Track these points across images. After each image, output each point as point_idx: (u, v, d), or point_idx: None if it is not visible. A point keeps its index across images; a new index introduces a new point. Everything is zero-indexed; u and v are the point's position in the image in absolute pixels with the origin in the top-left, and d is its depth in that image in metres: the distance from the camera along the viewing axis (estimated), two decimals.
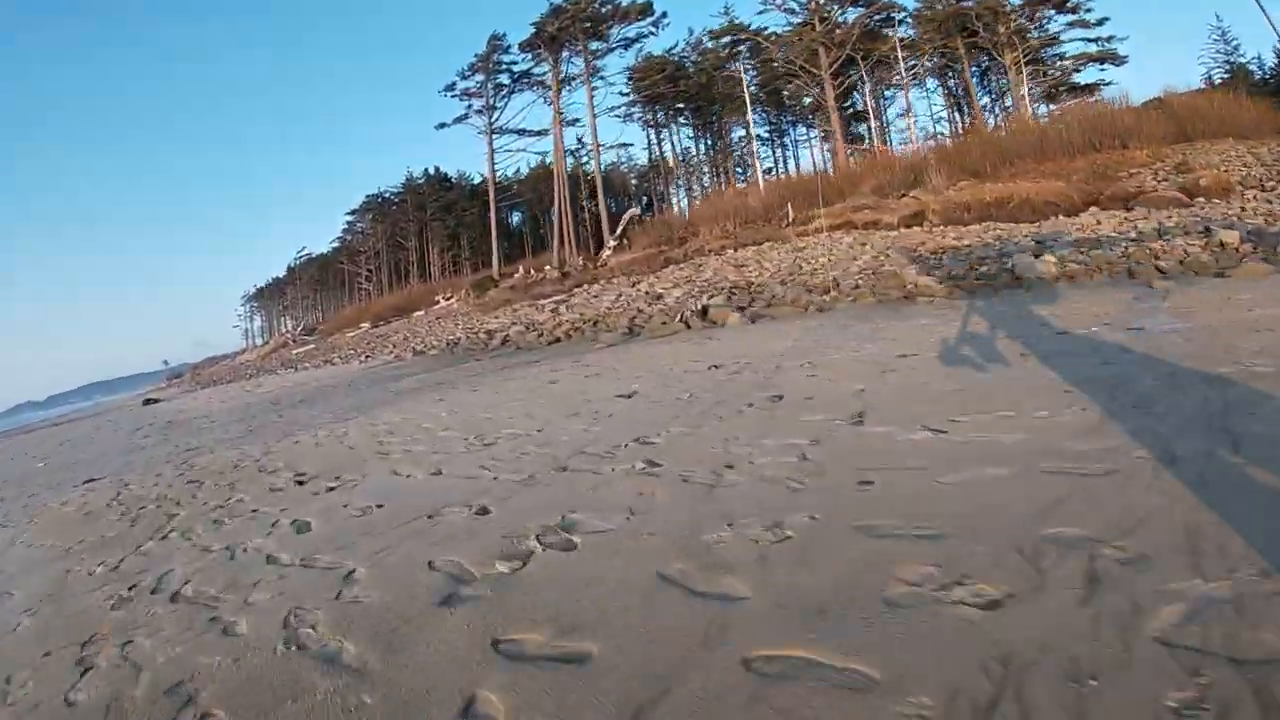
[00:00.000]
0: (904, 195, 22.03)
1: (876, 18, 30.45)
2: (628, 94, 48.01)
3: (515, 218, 79.44)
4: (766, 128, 56.78)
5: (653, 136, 54.31)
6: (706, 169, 58.23)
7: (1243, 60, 51.16)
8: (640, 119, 51.59)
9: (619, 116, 49.07)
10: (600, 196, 34.99)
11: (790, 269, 14.92)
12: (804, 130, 58.58)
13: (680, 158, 55.79)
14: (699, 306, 11.59)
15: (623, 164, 63.39)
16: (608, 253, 29.65)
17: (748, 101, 28.38)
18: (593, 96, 35.68)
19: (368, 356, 23.61)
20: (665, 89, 41.37)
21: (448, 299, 42.38)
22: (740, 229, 24.89)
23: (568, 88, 37.93)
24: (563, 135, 35.93)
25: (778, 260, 16.75)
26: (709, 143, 56.52)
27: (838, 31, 29.81)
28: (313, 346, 43.26)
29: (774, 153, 57.38)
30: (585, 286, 24.56)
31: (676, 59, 43.45)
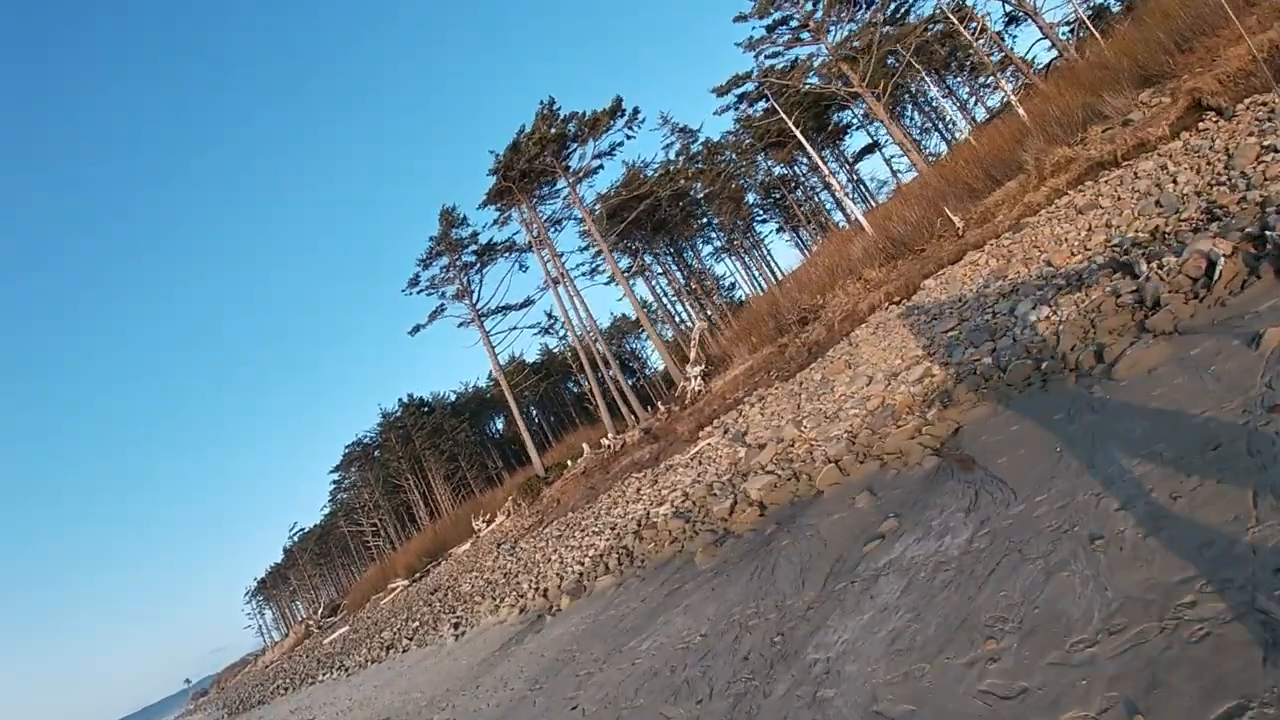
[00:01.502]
0: (1082, 139, 16.29)
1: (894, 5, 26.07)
2: (587, 245, 43.18)
3: (499, 423, 73.46)
4: (725, 238, 52.79)
5: (630, 283, 49.22)
6: (686, 302, 53.08)
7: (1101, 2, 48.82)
8: (609, 272, 46.42)
9: (584, 272, 43.86)
10: (652, 333, 28.53)
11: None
12: (763, 226, 55.06)
13: (659, 295, 50.63)
14: None
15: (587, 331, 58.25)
16: (695, 383, 22.80)
17: (799, 136, 22.80)
18: (591, 215, 30.10)
19: (458, 625, 15.70)
20: (639, 212, 36.27)
21: (488, 521, 34.92)
22: (880, 271, 18.60)
23: (553, 230, 32.61)
24: (576, 289, 29.97)
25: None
26: (684, 271, 51.96)
27: (852, 44, 25.14)
28: (347, 629, 34.57)
29: (732, 264, 53.16)
30: (712, 427, 17.55)
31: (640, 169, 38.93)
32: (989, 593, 3.70)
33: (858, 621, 4.23)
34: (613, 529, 13.60)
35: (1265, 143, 9.68)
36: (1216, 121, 12.43)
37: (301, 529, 74.25)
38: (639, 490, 15.80)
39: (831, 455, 8.63)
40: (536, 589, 13.42)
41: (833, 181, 23.61)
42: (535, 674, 7.79)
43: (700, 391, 22.41)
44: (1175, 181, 10.67)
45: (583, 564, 12.62)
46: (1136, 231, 9.71)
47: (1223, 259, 7.08)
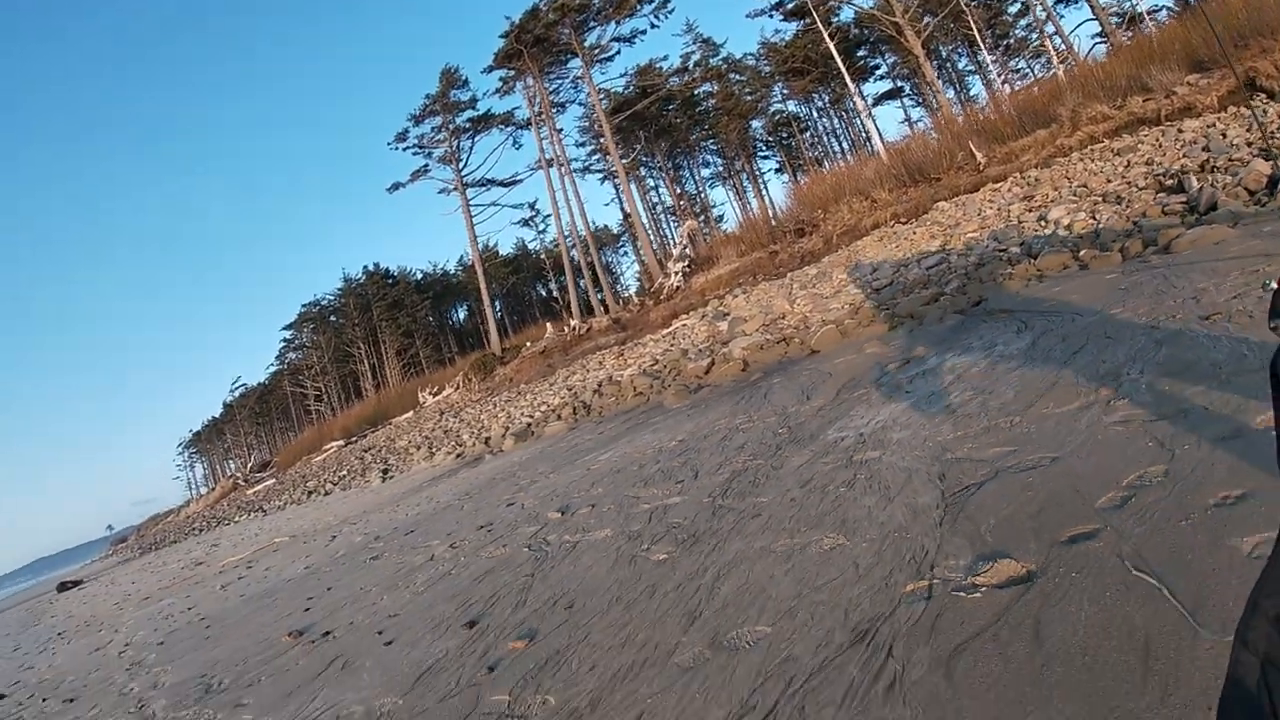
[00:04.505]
0: (1120, 104, 15.29)
1: None
2: (585, 142, 41.34)
3: (462, 313, 71.49)
4: (721, 164, 51.06)
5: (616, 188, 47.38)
6: (675, 221, 51.20)
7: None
8: (603, 170, 44.46)
9: (577, 169, 41.88)
10: (640, 231, 27.22)
11: None
12: (764, 162, 53.15)
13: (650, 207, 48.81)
14: None
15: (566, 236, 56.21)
16: (675, 279, 21.79)
17: (832, 47, 21.38)
18: (600, 101, 28.38)
19: (387, 471, 14.90)
20: (648, 103, 34.42)
21: (436, 393, 33.89)
22: (890, 194, 17.69)
23: (557, 112, 30.75)
24: (570, 170, 28.34)
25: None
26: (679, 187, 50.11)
27: None
28: (273, 482, 33.76)
29: (727, 193, 51.52)
30: (688, 315, 16.71)
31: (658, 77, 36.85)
32: (1088, 356, 2.90)
33: (895, 407, 3.41)
34: (570, 390, 12.78)
35: None
36: (1267, 102, 11.58)
37: (245, 384, 72.13)
38: (602, 363, 14.96)
39: (830, 320, 7.80)
40: (478, 438, 12.59)
41: (858, 103, 22.30)
42: (467, 490, 6.98)
43: (679, 288, 21.46)
44: (1224, 136, 9.87)
45: (532, 417, 11.80)
46: (1182, 166, 8.88)
47: None
